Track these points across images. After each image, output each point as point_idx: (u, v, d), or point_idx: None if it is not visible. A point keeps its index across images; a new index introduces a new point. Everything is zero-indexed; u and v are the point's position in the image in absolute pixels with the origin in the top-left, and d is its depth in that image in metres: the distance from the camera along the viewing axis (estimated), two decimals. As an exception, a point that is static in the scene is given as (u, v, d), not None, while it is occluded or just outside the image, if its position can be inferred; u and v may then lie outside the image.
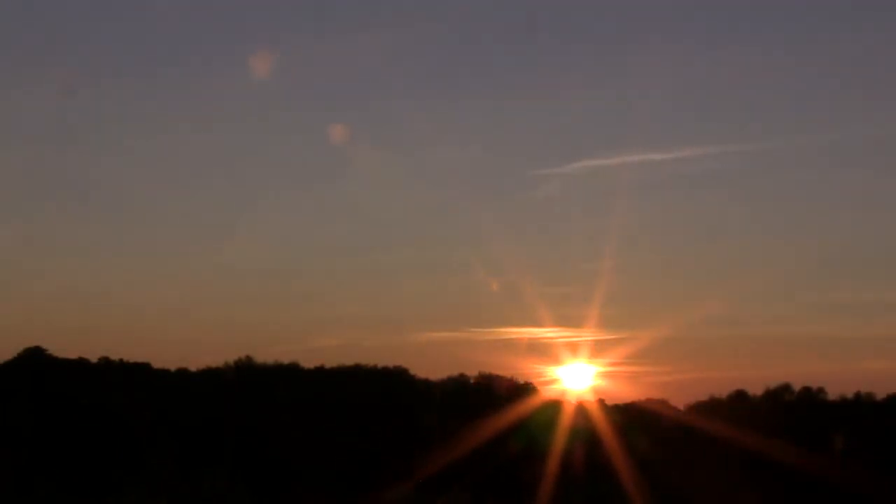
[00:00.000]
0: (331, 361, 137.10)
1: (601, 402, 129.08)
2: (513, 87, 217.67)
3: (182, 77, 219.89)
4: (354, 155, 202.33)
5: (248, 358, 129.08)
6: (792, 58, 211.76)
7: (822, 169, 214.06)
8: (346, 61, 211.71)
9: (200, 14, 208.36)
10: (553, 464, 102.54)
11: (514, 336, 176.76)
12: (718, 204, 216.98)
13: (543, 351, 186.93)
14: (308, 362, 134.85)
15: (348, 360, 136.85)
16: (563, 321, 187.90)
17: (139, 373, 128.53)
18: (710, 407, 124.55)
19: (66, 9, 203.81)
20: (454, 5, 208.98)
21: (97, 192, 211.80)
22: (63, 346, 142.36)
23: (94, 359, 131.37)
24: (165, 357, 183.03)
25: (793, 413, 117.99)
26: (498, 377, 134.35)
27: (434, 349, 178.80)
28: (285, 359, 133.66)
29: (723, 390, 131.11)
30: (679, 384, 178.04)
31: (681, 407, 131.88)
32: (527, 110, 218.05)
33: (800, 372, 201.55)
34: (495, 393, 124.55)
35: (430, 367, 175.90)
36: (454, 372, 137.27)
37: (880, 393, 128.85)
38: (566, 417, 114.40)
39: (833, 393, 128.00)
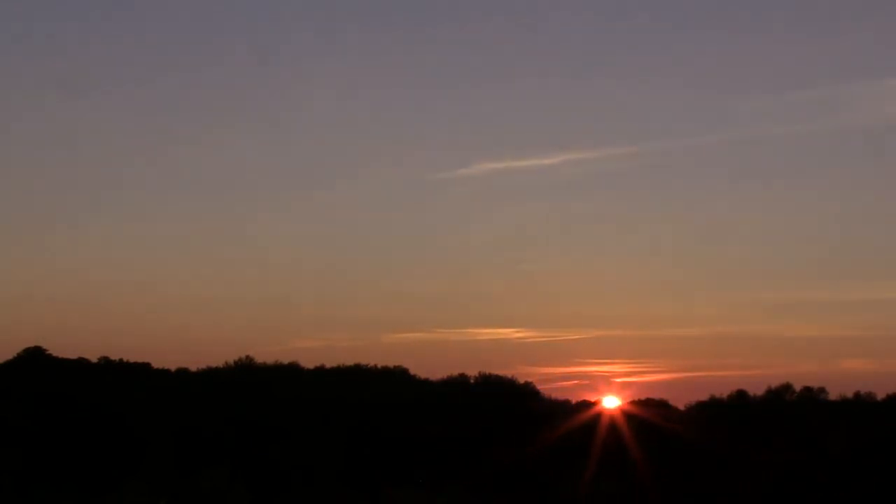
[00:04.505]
0: (329, 362, 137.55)
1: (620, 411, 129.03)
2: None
3: (179, 80, 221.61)
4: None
5: (248, 358, 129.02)
6: (676, 63, 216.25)
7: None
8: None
9: (204, 14, 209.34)
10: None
11: (487, 336, 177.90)
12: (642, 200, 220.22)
13: (526, 352, 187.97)
14: (300, 363, 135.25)
15: (332, 362, 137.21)
16: (530, 322, 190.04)
17: (139, 373, 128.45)
18: (710, 407, 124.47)
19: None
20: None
21: (98, 194, 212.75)
22: (63, 346, 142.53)
23: (94, 359, 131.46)
24: (165, 357, 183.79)
25: (793, 413, 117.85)
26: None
27: (410, 349, 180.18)
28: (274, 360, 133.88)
29: (723, 390, 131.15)
30: (679, 384, 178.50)
31: (681, 407, 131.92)
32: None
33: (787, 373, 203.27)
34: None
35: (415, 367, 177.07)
36: (453, 372, 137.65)
37: (880, 393, 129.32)
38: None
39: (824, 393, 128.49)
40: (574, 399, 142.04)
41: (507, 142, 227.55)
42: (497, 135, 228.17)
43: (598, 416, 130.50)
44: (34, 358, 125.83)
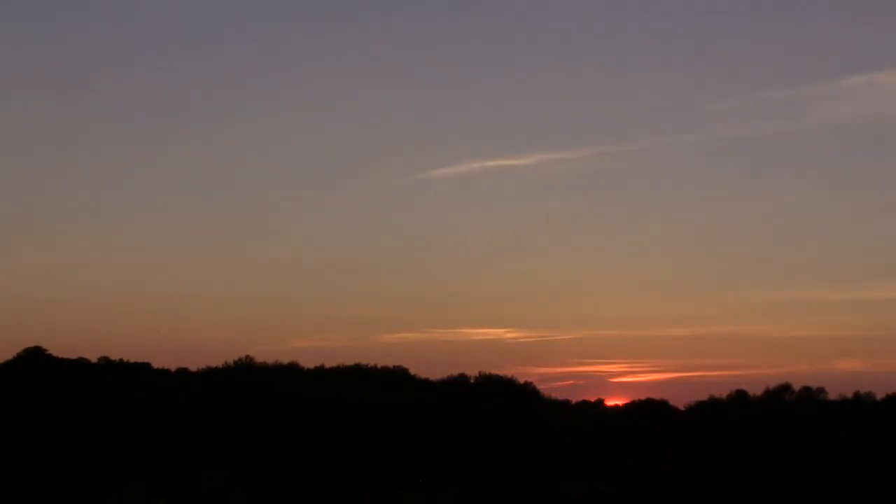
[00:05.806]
0: (329, 362, 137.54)
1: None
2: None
3: (178, 80, 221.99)
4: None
5: (248, 358, 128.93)
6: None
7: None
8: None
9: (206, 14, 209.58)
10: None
11: (481, 337, 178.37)
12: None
13: (520, 352, 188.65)
14: (300, 363, 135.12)
15: (332, 362, 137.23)
16: (524, 323, 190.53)
17: (139, 373, 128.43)
18: (710, 407, 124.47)
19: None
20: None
21: (98, 195, 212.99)
22: (63, 346, 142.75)
23: (94, 359, 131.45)
24: (165, 357, 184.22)
25: (792, 413, 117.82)
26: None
27: (406, 349, 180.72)
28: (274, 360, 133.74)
29: (723, 390, 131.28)
30: (679, 384, 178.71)
31: (681, 407, 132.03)
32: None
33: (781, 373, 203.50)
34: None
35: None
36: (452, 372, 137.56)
37: (879, 393, 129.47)
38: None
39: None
40: (574, 399, 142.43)
41: (505, 141, 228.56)
42: (495, 134, 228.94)
43: (598, 416, 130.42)
44: (34, 358, 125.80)
